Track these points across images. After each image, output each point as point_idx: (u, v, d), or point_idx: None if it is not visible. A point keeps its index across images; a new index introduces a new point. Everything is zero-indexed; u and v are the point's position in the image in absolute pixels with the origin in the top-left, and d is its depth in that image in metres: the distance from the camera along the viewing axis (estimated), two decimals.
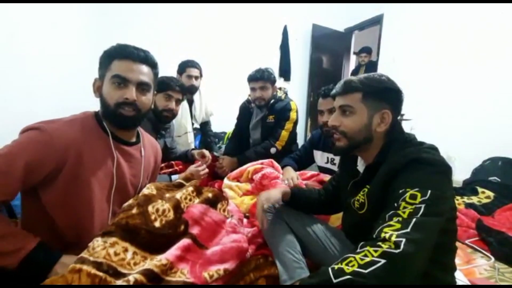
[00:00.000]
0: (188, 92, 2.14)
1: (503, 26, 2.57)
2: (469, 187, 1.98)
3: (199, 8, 3.40)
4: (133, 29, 3.04)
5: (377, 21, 4.05)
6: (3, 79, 1.60)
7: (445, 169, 0.67)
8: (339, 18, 4.46)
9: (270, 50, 4.04)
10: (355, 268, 0.53)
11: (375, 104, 0.79)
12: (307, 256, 0.96)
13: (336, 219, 1.21)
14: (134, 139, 0.98)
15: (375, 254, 0.54)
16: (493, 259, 1.19)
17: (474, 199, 1.78)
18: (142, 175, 0.99)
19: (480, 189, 1.86)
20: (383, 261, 0.52)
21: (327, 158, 1.68)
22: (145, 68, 0.88)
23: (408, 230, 0.55)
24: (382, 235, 0.57)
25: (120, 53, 0.85)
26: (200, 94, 2.32)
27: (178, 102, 1.59)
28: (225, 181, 1.65)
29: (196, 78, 2.16)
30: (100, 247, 0.67)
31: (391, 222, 0.58)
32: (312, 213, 1.08)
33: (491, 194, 1.78)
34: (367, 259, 0.54)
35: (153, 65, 0.91)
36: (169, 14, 3.26)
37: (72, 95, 2.25)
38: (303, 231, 0.99)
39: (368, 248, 0.56)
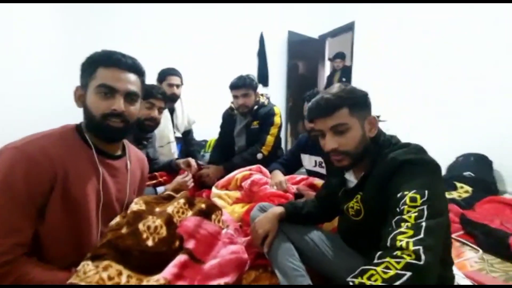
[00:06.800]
0: (170, 100, 2.07)
1: (470, 25, 2.67)
2: (447, 182, 2.04)
3: (177, 16, 3.35)
4: (112, 36, 2.90)
5: (349, 27, 4.22)
6: None
7: (435, 168, 0.69)
8: (313, 25, 4.59)
9: (248, 57, 4.06)
10: (380, 283, 0.52)
11: (362, 113, 0.81)
12: (306, 262, 0.93)
13: (329, 224, 1.21)
14: (119, 152, 0.91)
15: (398, 266, 0.52)
16: (481, 251, 1.24)
17: (455, 194, 1.85)
18: (129, 190, 0.92)
19: (458, 184, 1.94)
20: (408, 273, 0.51)
21: (315, 161, 1.68)
22: (132, 77, 0.82)
23: (422, 236, 0.55)
24: (398, 243, 0.55)
25: (106, 60, 0.78)
26: (182, 102, 2.26)
27: (161, 110, 1.53)
28: (214, 190, 1.60)
29: (178, 86, 2.11)
30: (92, 272, 0.61)
31: (402, 229, 0.58)
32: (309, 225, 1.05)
33: (469, 188, 1.87)
34: (391, 273, 0.52)
35: (140, 73, 0.86)
36: (145, 22, 3.17)
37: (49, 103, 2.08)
38: (299, 238, 0.97)
39: (388, 259, 0.54)
